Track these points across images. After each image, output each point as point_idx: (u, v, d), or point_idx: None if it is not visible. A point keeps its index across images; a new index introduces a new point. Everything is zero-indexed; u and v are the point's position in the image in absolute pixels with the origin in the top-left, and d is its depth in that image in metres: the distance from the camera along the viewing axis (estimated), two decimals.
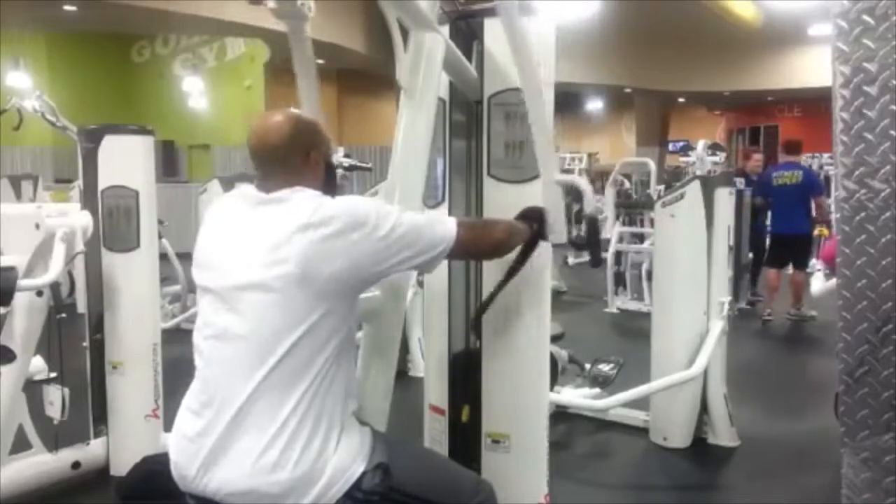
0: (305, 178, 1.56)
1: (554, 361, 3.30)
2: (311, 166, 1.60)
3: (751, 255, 7.22)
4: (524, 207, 1.89)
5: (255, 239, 1.48)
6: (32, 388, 3.08)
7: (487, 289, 2.03)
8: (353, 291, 1.51)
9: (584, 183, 2.34)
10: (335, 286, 1.43)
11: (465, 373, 2.09)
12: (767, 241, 7.00)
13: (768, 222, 6.96)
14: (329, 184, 1.65)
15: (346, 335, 1.50)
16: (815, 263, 6.25)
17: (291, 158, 1.57)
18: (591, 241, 2.13)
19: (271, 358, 1.42)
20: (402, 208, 1.59)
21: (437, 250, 1.56)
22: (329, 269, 1.42)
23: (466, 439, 2.09)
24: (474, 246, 1.72)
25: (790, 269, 6.71)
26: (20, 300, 2.77)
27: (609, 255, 6.85)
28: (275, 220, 1.47)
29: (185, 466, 1.48)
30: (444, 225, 1.60)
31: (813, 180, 6.64)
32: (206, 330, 1.53)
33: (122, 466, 2.94)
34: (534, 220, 1.87)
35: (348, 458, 1.46)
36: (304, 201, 1.48)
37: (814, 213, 6.88)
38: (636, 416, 3.79)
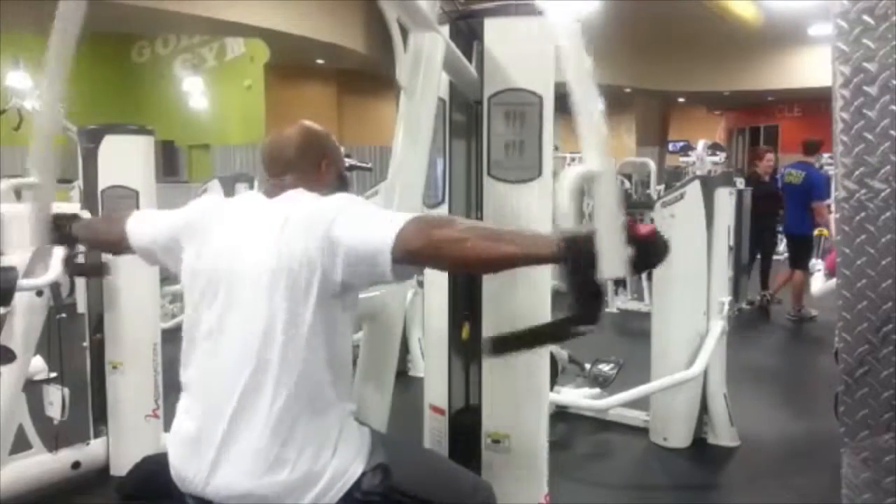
0: (315, 186, 1.57)
1: (554, 361, 3.31)
2: (322, 174, 1.63)
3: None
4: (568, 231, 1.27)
5: (249, 238, 1.48)
6: (32, 388, 3.08)
7: (488, 289, 2.03)
8: (339, 291, 1.43)
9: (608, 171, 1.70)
10: (317, 283, 1.41)
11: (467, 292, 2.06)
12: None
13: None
14: (341, 187, 1.65)
15: (340, 335, 1.48)
16: (816, 263, 6.26)
17: (303, 165, 1.60)
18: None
19: (263, 357, 1.41)
20: (372, 206, 1.45)
21: (375, 256, 1.32)
22: (305, 263, 1.40)
23: (466, 439, 2.09)
24: (421, 250, 1.32)
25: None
26: (20, 300, 2.77)
27: None
28: (267, 222, 1.48)
29: (184, 468, 1.48)
30: (386, 224, 1.34)
31: (815, 183, 6.55)
32: (199, 328, 1.53)
33: (122, 466, 2.95)
34: (570, 242, 1.23)
35: (347, 459, 1.45)
36: (293, 201, 1.49)
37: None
38: (636, 416, 3.79)
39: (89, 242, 2.07)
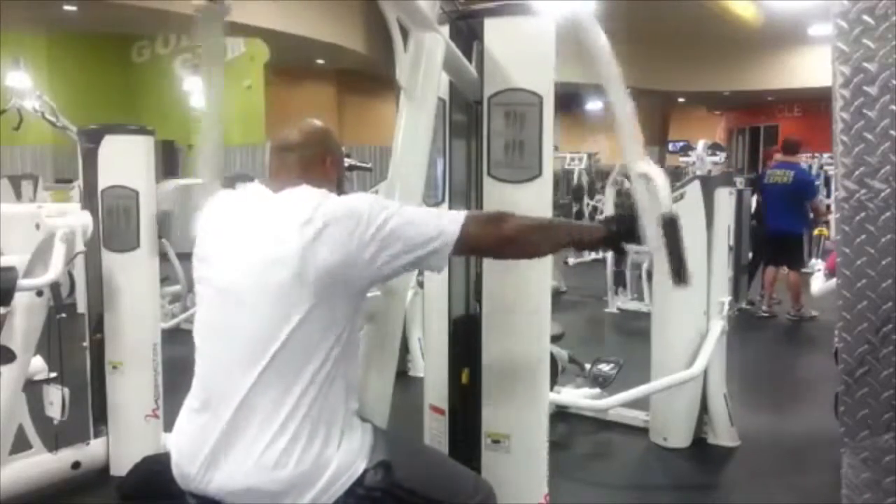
0: (318, 180, 1.58)
1: (554, 361, 3.31)
2: (326, 170, 1.65)
3: (751, 254, 7.22)
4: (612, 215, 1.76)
5: (256, 234, 1.49)
6: (32, 388, 3.08)
7: (488, 289, 2.03)
8: (351, 289, 1.48)
9: (656, 172, 1.97)
10: (330, 282, 1.42)
11: (466, 338, 2.08)
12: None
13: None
14: (340, 190, 1.67)
15: (347, 333, 1.49)
16: (816, 263, 6.26)
17: (308, 158, 1.62)
18: (674, 251, 1.78)
19: (267, 353, 1.42)
20: (404, 203, 1.55)
21: (432, 245, 1.47)
22: (323, 264, 1.41)
23: (466, 439, 2.09)
24: (485, 244, 1.58)
25: (786, 270, 6.72)
26: (20, 300, 2.77)
27: (609, 255, 6.85)
28: (277, 216, 1.48)
29: (186, 465, 1.48)
30: (444, 219, 1.51)
31: (805, 182, 6.56)
32: (205, 326, 1.54)
33: (122, 466, 2.95)
34: (614, 223, 1.68)
35: (350, 456, 1.46)
36: (306, 198, 1.49)
37: (811, 215, 6.88)
38: (636, 416, 3.79)
39: None
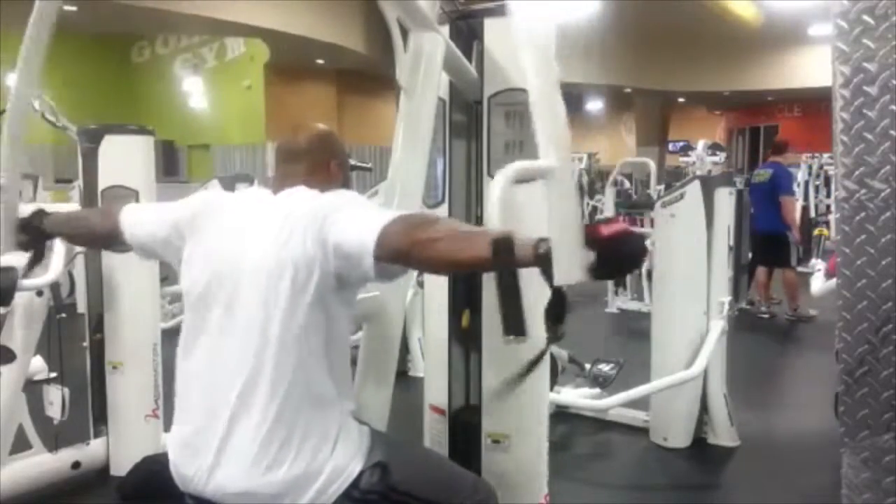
0: (325, 183, 1.58)
1: (554, 361, 3.31)
2: (330, 174, 1.64)
3: (750, 254, 7.23)
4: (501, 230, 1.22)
5: (248, 237, 1.48)
6: (32, 388, 3.08)
7: (488, 289, 2.03)
8: (328, 291, 1.43)
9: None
10: (305, 284, 1.41)
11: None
12: None
13: None
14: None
15: (338, 334, 1.48)
16: (816, 263, 6.27)
17: (315, 160, 1.62)
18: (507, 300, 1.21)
19: (259, 356, 1.42)
20: (358, 205, 1.46)
21: (357, 249, 1.33)
22: (295, 266, 1.41)
23: (466, 439, 2.09)
24: (401, 250, 1.30)
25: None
26: (20, 300, 2.77)
27: None
28: (268, 218, 1.48)
29: (184, 467, 1.48)
30: (371, 221, 1.33)
31: (780, 178, 6.56)
32: (196, 328, 1.53)
33: (122, 466, 2.95)
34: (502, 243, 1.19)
35: (346, 458, 1.45)
36: (294, 199, 1.49)
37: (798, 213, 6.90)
38: (636, 416, 3.79)
39: (72, 237, 2.02)
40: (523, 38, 1.32)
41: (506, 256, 1.17)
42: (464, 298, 2.12)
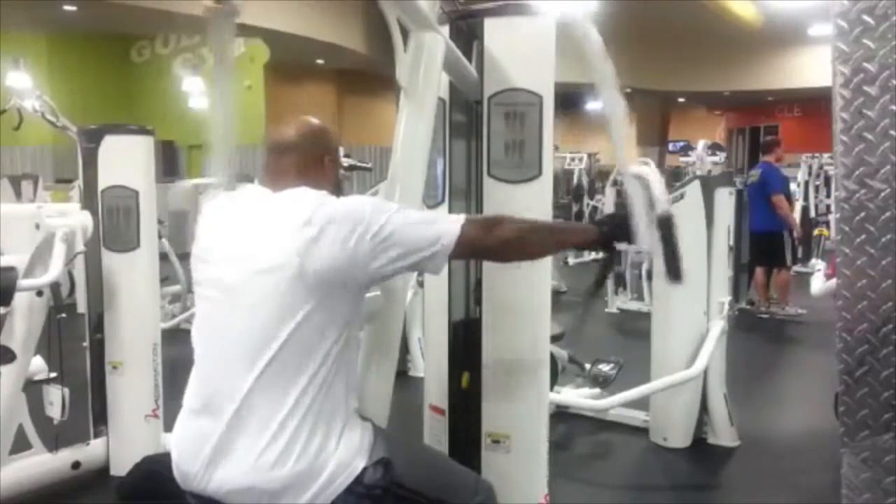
0: (316, 180, 1.58)
1: (554, 361, 3.30)
2: (323, 169, 1.64)
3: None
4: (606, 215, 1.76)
5: (256, 235, 1.49)
6: (32, 388, 3.08)
7: (488, 289, 2.03)
8: (351, 290, 1.48)
9: (654, 174, 1.97)
10: (329, 283, 1.43)
11: (466, 339, 2.08)
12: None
13: None
14: (337, 189, 1.66)
15: (346, 333, 1.50)
16: (816, 263, 6.27)
17: (306, 157, 1.61)
18: (668, 249, 1.76)
19: (267, 353, 1.42)
20: (403, 206, 1.55)
21: (431, 249, 1.48)
22: (322, 266, 1.42)
23: (466, 439, 2.09)
24: (484, 247, 1.57)
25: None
26: (20, 300, 2.77)
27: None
28: (276, 217, 1.48)
29: (187, 464, 1.48)
30: (443, 223, 1.52)
31: (769, 177, 6.58)
32: (204, 326, 1.54)
33: (122, 466, 2.95)
34: (606, 224, 1.70)
35: (350, 454, 1.46)
36: (306, 199, 1.49)
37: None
38: (636, 416, 3.79)
39: None
40: (588, 45, 1.68)
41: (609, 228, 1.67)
42: (464, 299, 2.12)
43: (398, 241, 1.46)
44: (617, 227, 1.67)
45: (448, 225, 1.50)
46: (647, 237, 1.67)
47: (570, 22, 1.64)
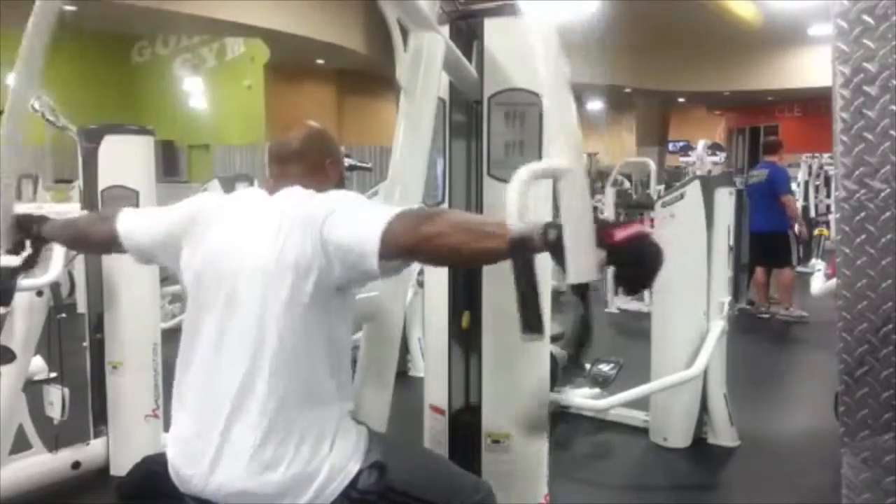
0: (320, 184, 1.58)
1: (554, 361, 3.30)
2: (326, 173, 1.64)
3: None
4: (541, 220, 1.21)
5: (247, 238, 1.48)
6: (32, 388, 3.08)
7: (488, 288, 2.03)
8: (329, 291, 1.43)
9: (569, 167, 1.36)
10: (305, 284, 1.41)
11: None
12: None
13: None
14: (341, 189, 1.66)
15: (338, 334, 1.49)
16: (816, 263, 6.26)
17: (311, 162, 1.62)
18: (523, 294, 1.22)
19: (259, 356, 1.42)
20: (357, 202, 1.45)
21: (361, 247, 1.32)
22: (295, 267, 1.41)
23: (466, 439, 2.09)
24: (405, 242, 1.30)
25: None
26: (20, 300, 2.77)
27: None
28: (266, 220, 1.48)
29: (182, 468, 1.48)
30: (374, 218, 1.33)
31: (776, 178, 6.57)
32: (196, 329, 1.53)
33: (122, 466, 2.95)
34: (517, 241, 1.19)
35: (344, 458, 1.45)
36: (290, 199, 1.49)
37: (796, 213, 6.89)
38: (636, 416, 3.79)
39: (70, 243, 2.01)
40: (533, 38, 1.33)
41: (522, 246, 1.17)
42: (464, 299, 2.12)
43: (331, 241, 1.37)
44: (529, 238, 1.18)
45: (378, 221, 1.31)
46: (581, 267, 1.15)
47: (535, 18, 1.52)
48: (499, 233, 1.20)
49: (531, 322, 1.20)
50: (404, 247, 1.30)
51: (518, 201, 1.24)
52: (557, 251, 1.15)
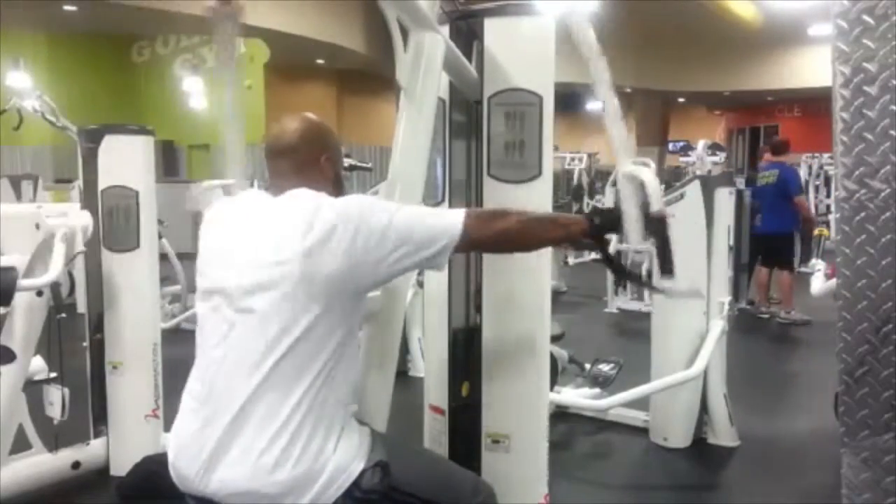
0: (315, 180, 1.58)
1: (554, 361, 3.30)
2: (322, 168, 1.63)
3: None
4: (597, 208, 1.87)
5: (259, 241, 1.48)
6: (32, 388, 3.08)
7: (488, 288, 2.03)
8: (355, 292, 1.49)
9: (648, 174, 1.97)
10: (334, 286, 1.43)
11: (466, 350, 2.09)
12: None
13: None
14: (337, 188, 1.66)
15: (348, 336, 1.50)
16: (816, 263, 6.25)
17: (304, 157, 1.60)
18: (661, 245, 1.85)
19: (271, 357, 1.42)
20: (402, 204, 1.55)
21: (438, 245, 1.49)
22: (327, 270, 1.42)
23: (466, 439, 2.09)
24: (486, 239, 1.59)
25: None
26: (20, 300, 2.77)
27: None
28: (278, 222, 1.48)
29: (184, 467, 1.48)
30: (447, 217, 1.54)
31: (788, 179, 6.56)
32: (208, 330, 1.53)
33: (122, 466, 2.95)
34: (598, 215, 1.74)
35: (348, 457, 1.46)
36: (306, 202, 1.49)
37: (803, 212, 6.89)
38: (636, 416, 3.79)
39: None
40: (585, 45, 1.73)
41: (597, 226, 1.69)
42: (464, 299, 2.12)
43: (404, 240, 1.46)
44: (607, 219, 1.71)
45: (451, 219, 1.52)
46: (635, 232, 1.73)
47: (569, 22, 1.66)
48: (571, 220, 1.75)
49: (667, 268, 1.84)
50: (485, 240, 1.61)
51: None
52: (598, 230, 1.69)
